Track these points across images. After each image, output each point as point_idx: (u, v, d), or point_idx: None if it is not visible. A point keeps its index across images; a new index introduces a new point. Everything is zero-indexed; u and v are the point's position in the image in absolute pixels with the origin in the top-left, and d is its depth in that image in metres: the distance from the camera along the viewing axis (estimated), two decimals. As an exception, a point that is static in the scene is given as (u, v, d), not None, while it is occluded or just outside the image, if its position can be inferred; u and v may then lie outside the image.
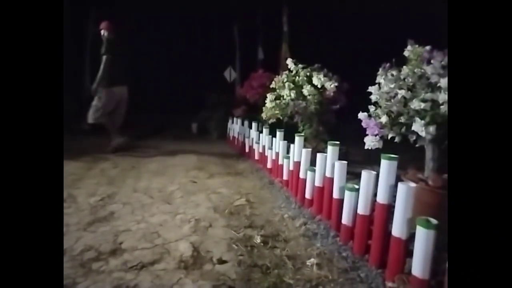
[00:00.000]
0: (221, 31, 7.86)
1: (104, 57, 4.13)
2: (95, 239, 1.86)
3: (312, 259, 1.71)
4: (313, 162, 2.43)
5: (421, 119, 1.90)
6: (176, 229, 2.02)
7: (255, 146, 3.98)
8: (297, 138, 2.72)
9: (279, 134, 3.20)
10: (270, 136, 3.51)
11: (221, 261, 1.68)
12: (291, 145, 2.79)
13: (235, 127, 5.20)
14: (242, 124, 4.75)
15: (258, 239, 1.93)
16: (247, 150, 4.38)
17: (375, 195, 1.69)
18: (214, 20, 7.87)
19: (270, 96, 3.45)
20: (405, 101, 1.99)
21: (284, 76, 3.45)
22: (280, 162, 3.07)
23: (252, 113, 4.73)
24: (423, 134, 1.90)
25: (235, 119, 5.25)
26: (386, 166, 1.62)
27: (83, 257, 1.67)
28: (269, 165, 3.41)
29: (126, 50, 4.50)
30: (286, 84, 3.36)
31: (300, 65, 3.43)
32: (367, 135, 2.15)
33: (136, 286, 1.45)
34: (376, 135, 2.11)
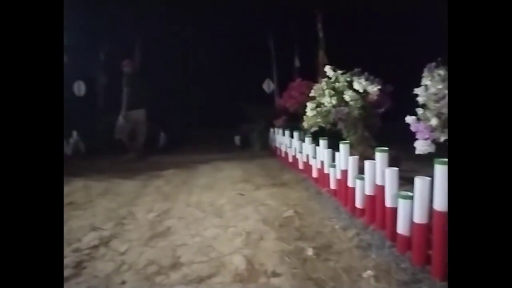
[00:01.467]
0: (256, 44, 8.02)
1: (124, 89, 5.34)
2: (155, 253, 1.98)
3: (368, 271, 1.66)
4: (361, 170, 2.36)
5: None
6: (229, 243, 2.08)
7: (298, 156, 3.97)
8: (342, 146, 2.67)
9: (322, 142, 3.17)
10: (313, 144, 3.48)
11: (275, 274, 1.70)
12: (336, 153, 2.75)
13: (276, 137, 5.23)
14: (283, 134, 4.77)
15: (310, 251, 1.92)
16: (290, 160, 4.38)
17: (431, 201, 1.61)
18: (248, 34, 8.07)
19: (310, 105, 3.43)
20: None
21: (323, 83, 3.42)
22: (326, 171, 3.02)
23: (293, 122, 4.73)
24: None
25: (276, 129, 5.29)
26: (441, 171, 1.53)
27: (147, 271, 1.79)
28: (314, 175, 3.38)
29: (143, 81, 5.59)
30: (326, 91, 3.33)
31: (339, 71, 3.38)
32: (417, 139, 2.05)
33: (196, 299, 1.52)
34: (427, 139, 2.01)
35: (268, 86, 6.93)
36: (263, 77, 7.26)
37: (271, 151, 5.65)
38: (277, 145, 5.15)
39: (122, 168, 4.64)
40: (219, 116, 9.06)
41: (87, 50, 6.78)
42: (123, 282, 1.68)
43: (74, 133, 5.44)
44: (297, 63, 7.26)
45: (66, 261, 1.90)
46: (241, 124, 6.91)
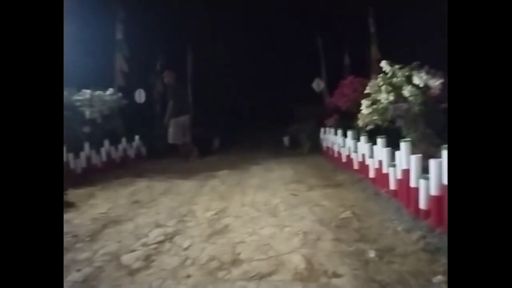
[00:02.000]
0: (304, 43, 7.94)
1: (170, 101, 5.74)
2: (216, 250, 2.07)
3: (439, 277, 1.55)
4: (423, 169, 2.21)
5: None
6: (286, 242, 2.09)
7: (353, 156, 3.84)
8: (403, 144, 2.53)
9: (380, 141, 3.03)
10: (370, 143, 3.35)
11: (336, 275, 1.67)
12: (396, 152, 2.61)
13: (328, 137, 5.12)
14: (336, 133, 4.65)
15: (372, 254, 1.85)
16: (344, 160, 4.26)
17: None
18: (296, 34, 8.01)
19: (365, 102, 3.31)
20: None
21: (379, 79, 3.28)
22: (384, 171, 2.88)
23: (346, 121, 4.59)
24: None
25: (327, 129, 5.18)
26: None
27: (209, 266, 1.88)
28: (371, 175, 3.24)
29: (185, 91, 6.15)
30: (383, 87, 3.18)
31: (396, 66, 3.21)
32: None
33: (258, 295, 1.55)
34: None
35: (318, 85, 6.81)
36: (311, 76, 7.16)
37: (321, 152, 5.54)
38: (329, 145, 5.04)
39: (180, 169, 4.91)
40: (268, 117, 9.16)
41: (146, 60, 7.35)
42: (189, 276, 1.78)
43: (136, 138, 5.89)
44: (346, 60, 7.04)
45: (136, 254, 2.07)
46: (290, 125, 6.89)
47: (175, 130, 5.75)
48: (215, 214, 2.75)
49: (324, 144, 5.37)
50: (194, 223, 2.58)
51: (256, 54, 9.24)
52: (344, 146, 4.25)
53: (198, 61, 8.48)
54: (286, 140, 6.93)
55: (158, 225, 2.55)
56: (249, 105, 9.70)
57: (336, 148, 4.64)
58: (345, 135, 4.20)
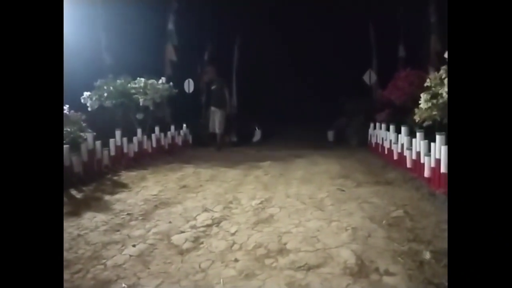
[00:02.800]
0: (355, 32, 7.59)
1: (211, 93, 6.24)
2: (262, 237, 2.09)
3: None
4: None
5: None
6: (334, 236, 2.06)
7: (406, 153, 3.64)
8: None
9: (439, 138, 2.83)
10: (426, 141, 3.14)
11: (389, 273, 1.60)
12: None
13: (378, 132, 4.90)
14: (388, 129, 4.44)
15: (427, 255, 1.75)
16: (395, 157, 4.05)
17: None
18: (347, 22, 7.66)
19: (424, 96, 3.10)
20: None
21: (442, 71, 3.05)
22: (443, 171, 2.70)
23: (399, 116, 4.36)
24: None
25: (377, 124, 4.96)
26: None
27: (256, 252, 1.91)
28: (426, 174, 3.05)
29: (222, 85, 6.25)
30: (446, 80, 2.95)
31: (462, 57, 2.95)
32: None
33: (307, 286, 1.55)
34: None
35: (370, 77, 6.50)
36: (360, 68, 6.84)
37: (370, 147, 5.33)
38: (379, 141, 4.82)
39: (224, 157, 5.04)
40: (312, 110, 8.98)
41: (194, 50, 7.59)
42: (236, 260, 1.83)
43: (184, 126, 6.14)
44: (401, 51, 6.63)
45: (186, 235, 2.17)
46: (335, 118, 6.71)
47: (217, 120, 6.09)
48: (260, 203, 2.78)
49: (373, 140, 5.16)
50: (239, 210, 2.64)
51: (303, 44, 9.03)
52: (396, 143, 4.05)
53: (245, 53, 8.59)
54: (330, 134, 6.79)
55: (206, 210, 2.65)
56: (293, 98, 9.57)
57: (387, 144, 4.44)
58: (398, 131, 3.99)
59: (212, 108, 6.17)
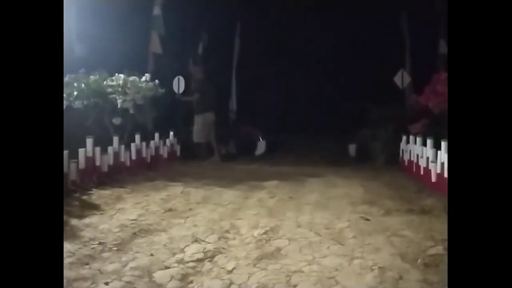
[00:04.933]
0: (385, 23, 7.65)
1: (195, 94, 6.47)
2: (267, 277, 2.08)
3: None
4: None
5: None
6: (357, 277, 2.04)
7: (447, 174, 3.64)
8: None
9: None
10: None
11: (427, 328, 1.59)
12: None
13: (412, 147, 4.92)
14: (424, 143, 4.45)
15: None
16: (433, 179, 4.05)
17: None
18: (373, 10, 7.73)
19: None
20: None
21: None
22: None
23: (438, 128, 4.37)
24: None
25: (411, 137, 4.98)
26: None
27: (259, 296, 1.90)
28: (472, 201, 3.04)
29: (211, 84, 6.64)
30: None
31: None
32: None
33: None
34: None
35: (402, 79, 6.50)
36: (391, 68, 6.88)
37: (401, 166, 5.34)
38: (413, 158, 4.84)
39: (219, 174, 5.05)
40: (328, 118, 8.99)
41: (186, 40, 7.69)
42: (234, 305, 1.81)
43: (171, 134, 6.19)
44: (442, 48, 6.67)
45: (171, 272, 2.16)
46: (358, 129, 6.74)
47: (200, 127, 6.39)
48: (264, 233, 2.77)
49: (406, 157, 5.17)
50: (238, 242, 2.63)
51: (319, 35, 9.02)
52: (434, 161, 4.05)
53: (247, 45, 8.69)
54: (352, 148, 6.81)
55: (196, 240, 2.63)
56: (306, 102, 9.58)
57: (423, 163, 4.44)
58: (436, 146, 4.01)
59: (199, 113, 6.45)
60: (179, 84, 6.59)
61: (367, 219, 3.05)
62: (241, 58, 8.65)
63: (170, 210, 3.37)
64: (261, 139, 7.36)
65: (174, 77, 6.56)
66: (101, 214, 3.21)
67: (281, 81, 9.54)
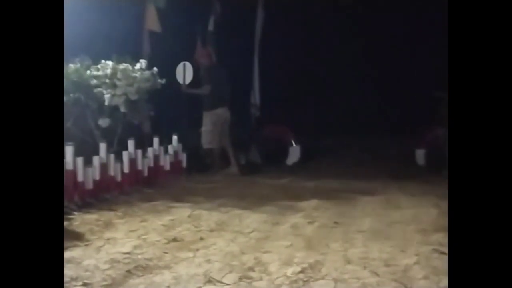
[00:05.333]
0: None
1: (204, 85, 6.54)
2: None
3: None
4: None
5: None
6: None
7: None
8: None
9: None
10: None
11: None
12: None
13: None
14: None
15: None
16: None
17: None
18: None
19: None
20: None
21: None
22: None
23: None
24: None
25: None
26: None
27: None
28: None
29: (224, 73, 6.84)
30: None
31: None
32: None
33: None
34: None
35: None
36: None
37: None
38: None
39: (239, 192, 5.08)
40: (383, 114, 8.84)
41: (192, 15, 7.76)
42: None
43: (174, 139, 6.25)
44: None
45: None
46: (428, 129, 6.63)
47: (210, 128, 6.45)
48: (301, 271, 2.75)
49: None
50: (266, 283, 2.61)
51: (368, 6, 8.97)
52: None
53: (274, 19, 8.67)
54: (420, 154, 6.72)
55: (210, 280, 2.64)
56: (353, 94, 9.44)
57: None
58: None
59: (209, 110, 6.52)
60: (184, 73, 6.63)
61: (443, 253, 2.98)
62: (265, 37, 8.63)
63: (175, 240, 3.39)
64: (294, 144, 7.35)
65: (178, 63, 6.63)
66: (86, 245, 3.26)
67: (318, 64, 9.48)
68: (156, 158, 5.84)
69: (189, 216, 4.05)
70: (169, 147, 6.16)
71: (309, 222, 3.87)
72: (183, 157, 6.43)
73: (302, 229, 3.68)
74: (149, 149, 5.73)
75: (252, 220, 3.94)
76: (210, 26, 7.88)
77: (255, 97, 8.53)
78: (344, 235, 3.49)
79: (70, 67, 5.15)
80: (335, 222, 3.86)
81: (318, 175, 6.23)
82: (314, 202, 4.52)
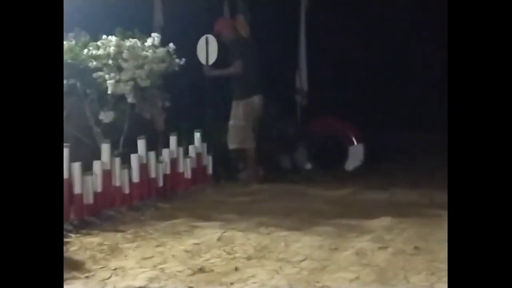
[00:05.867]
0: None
1: (235, 63, 6.61)
2: None
3: None
4: None
5: None
6: None
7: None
8: None
9: None
10: None
11: None
12: None
13: None
14: None
15: None
16: None
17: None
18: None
19: None
20: None
21: None
22: None
23: None
24: None
25: None
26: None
27: None
28: None
29: (256, 51, 6.94)
30: None
31: None
32: None
33: None
34: None
35: None
36: None
37: None
38: None
39: (283, 206, 5.11)
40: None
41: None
42: None
43: (197, 136, 6.26)
44: None
45: None
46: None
47: (243, 123, 6.57)
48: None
49: None
50: None
51: None
52: None
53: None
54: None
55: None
56: (425, 77, 9.31)
57: None
58: None
59: (239, 99, 6.62)
60: (207, 49, 6.65)
61: None
62: (311, 15, 8.58)
63: (201, 270, 3.40)
64: (355, 142, 7.31)
65: (199, 37, 6.66)
66: (87, 277, 3.30)
67: (384, 36, 9.39)
68: (174, 162, 5.88)
69: (219, 239, 4.06)
70: (190, 147, 6.21)
71: (380, 248, 3.82)
72: (209, 161, 6.47)
73: (371, 256, 3.64)
74: (165, 151, 5.78)
75: (302, 244, 3.92)
76: None
77: (302, 80, 8.48)
78: (428, 265, 3.44)
79: (64, 45, 5.20)
80: (416, 248, 3.81)
81: (389, 183, 6.15)
82: (386, 221, 4.48)
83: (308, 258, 3.60)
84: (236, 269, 3.41)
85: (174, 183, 5.82)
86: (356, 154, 7.26)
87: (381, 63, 9.23)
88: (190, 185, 6.00)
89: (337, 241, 3.97)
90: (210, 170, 6.47)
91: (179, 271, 3.37)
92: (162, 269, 3.41)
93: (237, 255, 3.70)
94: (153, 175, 5.51)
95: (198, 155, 6.29)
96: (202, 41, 6.63)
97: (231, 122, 6.61)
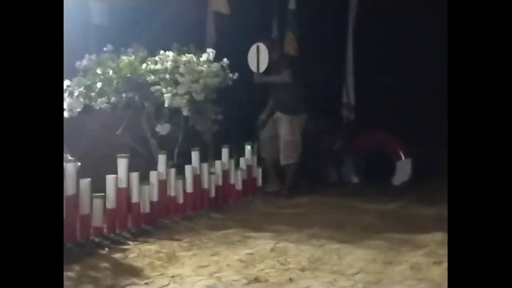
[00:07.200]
0: None
1: (285, 71, 6.75)
2: None
3: None
4: None
5: None
6: None
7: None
8: None
9: None
10: None
11: None
12: None
13: None
14: None
15: None
16: None
17: None
18: None
19: None
20: None
21: None
22: None
23: None
24: None
25: None
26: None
27: None
28: None
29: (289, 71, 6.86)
30: None
31: None
32: None
33: None
34: None
35: None
36: None
37: None
38: None
39: (334, 219, 5.09)
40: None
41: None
42: None
43: (247, 149, 6.29)
44: None
45: None
46: None
47: (299, 138, 6.75)
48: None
49: None
50: None
51: None
52: None
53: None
54: None
55: None
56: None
57: None
58: None
59: (276, 114, 6.77)
60: (258, 57, 6.64)
61: None
62: (363, 14, 8.55)
63: (257, 280, 3.38)
64: (403, 156, 7.20)
65: (248, 49, 6.72)
66: (146, 284, 3.33)
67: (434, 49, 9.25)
68: (225, 174, 5.93)
69: (272, 250, 4.04)
70: (241, 160, 6.23)
71: (435, 263, 3.72)
72: (258, 173, 6.49)
73: (426, 271, 3.55)
74: (217, 163, 5.82)
75: (355, 257, 3.87)
76: (291, 4, 7.92)
77: (348, 95, 8.43)
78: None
79: (123, 60, 5.32)
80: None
81: (438, 198, 6.02)
82: (438, 236, 4.35)
83: (362, 271, 3.55)
84: (291, 280, 3.39)
85: (226, 194, 5.85)
86: (404, 169, 7.19)
87: (430, 77, 9.09)
88: (241, 197, 6.02)
89: (390, 255, 3.91)
90: (259, 182, 6.49)
91: (235, 280, 3.37)
92: (219, 278, 3.41)
93: (290, 266, 3.68)
94: (205, 186, 5.55)
95: (249, 167, 6.32)
96: (253, 49, 6.66)
97: (287, 138, 6.65)
